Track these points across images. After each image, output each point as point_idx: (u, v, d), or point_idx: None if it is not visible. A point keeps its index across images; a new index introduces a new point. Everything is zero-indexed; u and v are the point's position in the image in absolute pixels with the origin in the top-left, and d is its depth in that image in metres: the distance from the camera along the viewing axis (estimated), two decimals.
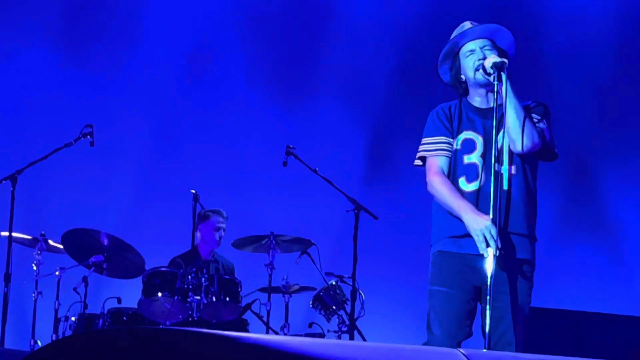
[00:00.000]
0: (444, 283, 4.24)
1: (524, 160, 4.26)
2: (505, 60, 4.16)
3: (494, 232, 4.03)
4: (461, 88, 4.40)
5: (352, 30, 9.29)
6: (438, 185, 4.25)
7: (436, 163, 4.31)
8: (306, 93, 9.25)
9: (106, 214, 8.80)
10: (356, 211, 6.82)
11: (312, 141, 8.78)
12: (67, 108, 9.04)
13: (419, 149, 4.41)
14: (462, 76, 4.36)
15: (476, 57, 4.29)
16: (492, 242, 4.03)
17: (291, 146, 7.24)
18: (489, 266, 4.02)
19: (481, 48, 4.31)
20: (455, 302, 4.21)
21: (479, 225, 4.07)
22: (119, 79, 9.22)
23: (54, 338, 6.81)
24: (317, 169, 7.16)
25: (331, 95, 9.25)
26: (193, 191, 7.81)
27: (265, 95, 9.28)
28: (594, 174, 8.99)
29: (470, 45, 4.33)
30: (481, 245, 4.06)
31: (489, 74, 4.17)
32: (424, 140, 4.39)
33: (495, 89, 4.13)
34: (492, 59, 4.19)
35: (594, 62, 9.05)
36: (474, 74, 4.28)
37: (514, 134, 4.18)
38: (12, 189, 6.86)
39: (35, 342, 6.87)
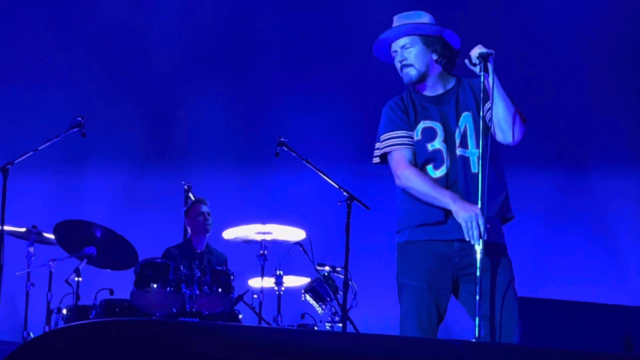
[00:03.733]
0: (414, 277, 4.20)
1: (488, 142, 4.20)
2: (492, 52, 4.12)
3: (481, 220, 4.00)
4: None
5: (346, 22, 9.28)
6: (414, 178, 4.19)
7: (404, 155, 4.25)
8: (299, 84, 9.24)
9: (98, 206, 8.80)
10: (348, 202, 6.81)
11: (304, 132, 8.78)
12: (58, 99, 9.02)
13: (379, 146, 4.35)
14: None
15: (398, 58, 4.30)
16: (483, 230, 3.98)
17: (283, 137, 7.24)
18: (477, 255, 3.99)
19: (402, 47, 4.31)
20: (427, 296, 4.15)
21: (469, 212, 4.01)
22: (110, 69, 9.20)
23: (46, 329, 6.80)
24: (309, 159, 7.16)
25: (324, 86, 9.24)
26: (184, 183, 7.82)
27: (257, 87, 9.27)
28: (588, 165, 8.99)
29: (394, 46, 4.34)
30: (472, 233, 4.00)
31: (475, 64, 4.15)
32: (384, 136, 4.32)
33: (482, 80, 4.11)
34: (477, 49, 4.15)
35: (589, 52, 9.05)
36: (401, 74, 4.31)
37: (506, 126, 4.16)
38: (3, 180, 6.84)
39: (28, 334, 6.86)
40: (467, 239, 4.03)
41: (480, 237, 4.00)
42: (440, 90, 4.32)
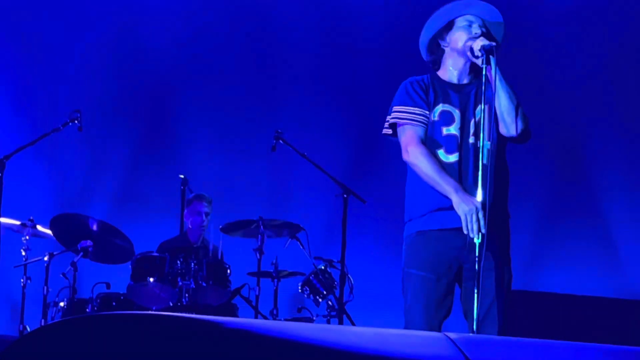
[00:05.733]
0: (423, 267, 4.14)
1: (499, 136, 4.22)
2: (494, 44, 4.11)
3: (481, 214, 3.98)
4: (433, 55, 4.35)
5: (343, 17, 9.28)
6: (423, 158, 4.14)
7: (416, 132, 4.20)
8: (296, 78, 9.24)
9: (94, 199, 8.80)
10: (345, 195, 6.82)
11: (301, 126, 8.78)
12: (56, 93, 9.02)
13: (390, 117, 4.30)
14: (445, 43, 4.30)
15: (474, 30, 4.23)
16: (482, 224, 3.97)
17: (280, 131, 7.24)
18: (477, 249, 3.97)
19: (480, 25, 4.26)
20: (434, 287, 4.12)
21: (469, 205, 4.00)
22: (107, 63, 9.20)
23: (42, 323, 6.80)
24: (305, 153, 7.16)
25: (320, 80, 9.24)
26: (182, 176, 7.82)
27: (255, 80, 9.26)
28: (584, 158, 9.00)
29: (470, 17, 4.27)
30: (471, 227, 3.98)
31: (477, 57, 4.14)
32: (397, 108, 4.27)
33: (484, 72, 4.09)
34: (480, 42, 4.14)
35: (585, 47, 9.06)
36: (467, 42, 4.21)
37: (509, 118, 4.15)
38: (0, 174, 6.84)
39: (24, 328, 6.87)
40: (466, 232, 4.01)
41: (479, 231, 3.99)
42: (465, 80, 4.30)
